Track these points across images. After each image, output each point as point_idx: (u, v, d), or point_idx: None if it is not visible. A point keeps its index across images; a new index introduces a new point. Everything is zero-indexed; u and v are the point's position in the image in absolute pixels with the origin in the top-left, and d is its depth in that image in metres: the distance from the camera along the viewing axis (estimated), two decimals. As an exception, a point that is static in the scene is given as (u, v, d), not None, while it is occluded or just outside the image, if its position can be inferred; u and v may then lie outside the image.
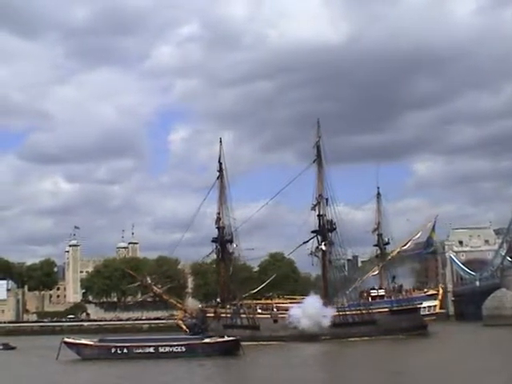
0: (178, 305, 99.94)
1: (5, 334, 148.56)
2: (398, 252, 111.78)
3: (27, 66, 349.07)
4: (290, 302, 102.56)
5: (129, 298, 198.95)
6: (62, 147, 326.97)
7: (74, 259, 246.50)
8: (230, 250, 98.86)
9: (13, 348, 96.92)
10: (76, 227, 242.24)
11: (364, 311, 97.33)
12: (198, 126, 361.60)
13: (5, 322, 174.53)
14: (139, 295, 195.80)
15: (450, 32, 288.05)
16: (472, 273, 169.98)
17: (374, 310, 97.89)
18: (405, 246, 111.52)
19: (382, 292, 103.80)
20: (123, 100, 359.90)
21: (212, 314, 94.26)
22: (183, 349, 69.42)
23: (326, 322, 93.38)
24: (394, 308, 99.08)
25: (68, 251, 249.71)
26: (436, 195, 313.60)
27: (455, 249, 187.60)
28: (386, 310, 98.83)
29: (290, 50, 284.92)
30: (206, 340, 71.78)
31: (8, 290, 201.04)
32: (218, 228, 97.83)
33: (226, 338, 72.82)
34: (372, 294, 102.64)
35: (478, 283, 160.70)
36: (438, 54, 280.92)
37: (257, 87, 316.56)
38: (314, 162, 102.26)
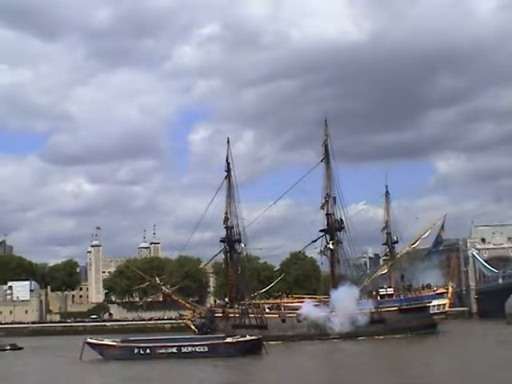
0: (187, 305, 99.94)
1: (28, 335, 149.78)
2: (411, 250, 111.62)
3: (49, 67, 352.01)
4: (299, 302, 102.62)
5: (150, 298, 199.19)
6: (84, 148, 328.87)
7: (96, 259, 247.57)
8: (238, 250, 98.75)
9: (20, 348, 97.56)
10: (98, 228, 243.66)
11: (373, 310, 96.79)
12: (218, 125, 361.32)
13: (28, 323, 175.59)
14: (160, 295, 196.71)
15: (471, 29, 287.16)
16: (495, 270, 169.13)
17: (383, 309, 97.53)
18: (414, 244, 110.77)
19: (390, 291, 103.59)
20: (144, 100, 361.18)
21: (220, 314, 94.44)
22: (206, 348, 69.29)
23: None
24: (403, 307, 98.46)
25: (90, 252, 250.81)
26: (458, 193, 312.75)
27: (478, 246, 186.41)
28: (395, 308, 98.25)
29: (312, 49, 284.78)
30: (229, 340, 71.64)
31: (31, 290, 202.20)
32: (226, 228, 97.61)
33: (249, 338, 72.67)
34: (381, 293, 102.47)
35: (500, 281, 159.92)
36: (460, 52, 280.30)
37: (278, 87, 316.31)
38: (321, 160, 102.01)
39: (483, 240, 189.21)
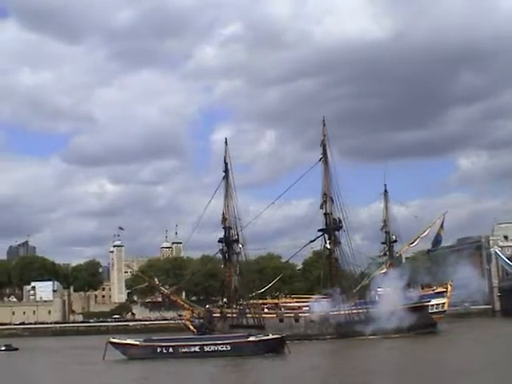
0: (185, 305, 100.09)
1: (51, 335, 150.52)
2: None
3: (71, 69, 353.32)
4: (297, 301, 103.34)
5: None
6: (106, 149, 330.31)
7: (118, 260, 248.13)
8: (237, 251, 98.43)
9: (15, 349, 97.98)
10: (120, 228, 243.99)
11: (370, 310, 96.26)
12: (241, 125, 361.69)
13: (51, 323, 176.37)
14: (183, 295, 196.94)
15: (494, 26, 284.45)
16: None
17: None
18: (412, 243, 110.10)
19: (388, 290, 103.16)
20: (166, 101, 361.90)
21: (218, 314, 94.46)
22: (228, 347, 69.42)
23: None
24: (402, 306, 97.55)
25: (112, 252, 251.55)
26: (480, 190, 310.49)
27: (500, 244, 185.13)
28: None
29: (333, 48, 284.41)
30: (251, 338, 71.69)
31: (54, 291, 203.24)
32: (224, 228, 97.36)
33: (271, 336, 72.67)
34: (379, 293, 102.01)
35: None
36: (482, 49, 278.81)
37: (300, 85, 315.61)
38: (320, 160, 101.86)
39: (506, 237, 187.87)
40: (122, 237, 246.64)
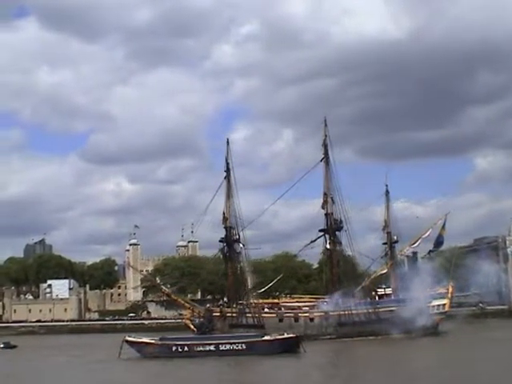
0: (186, 304, 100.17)
1: (67, 332, 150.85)
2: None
3: (89, 68, 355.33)
4: (297, 301, 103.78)
5: (188, 296, 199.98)
6: (124, 148, 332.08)
7: (134, 258, 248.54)
8: (237, 250, 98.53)
9: (14, 347, 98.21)
10: (136, 226, 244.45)
11: (370, 310, 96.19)
12: (258, 124, 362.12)
13: (67, 321, 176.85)
14: (199, 293, 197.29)
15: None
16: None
17: (381, 309, 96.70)
18: (414, 244, 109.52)
19: (389, 291, 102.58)
20: (184, 100, 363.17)
21: (218, 314, 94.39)
22: (243, 346, 69.46)
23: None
24: (402, 307, 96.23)
25: (128, 250, 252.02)
26: (497, 190, 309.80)
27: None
28: (393, 308, 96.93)
29: (352, 47, 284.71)
30: (266, 337, 71.66)
31: (70, 288, 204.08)
32: (225, 228, 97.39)
33: (287, 335, 72.55)
34: (379, 293, 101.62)
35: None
36: (500, 48, 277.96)
37: (317, 85, 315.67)
38: (321, 160, 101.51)
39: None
40: (138, 235, 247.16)
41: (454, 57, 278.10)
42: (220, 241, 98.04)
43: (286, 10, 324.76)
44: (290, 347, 69.52)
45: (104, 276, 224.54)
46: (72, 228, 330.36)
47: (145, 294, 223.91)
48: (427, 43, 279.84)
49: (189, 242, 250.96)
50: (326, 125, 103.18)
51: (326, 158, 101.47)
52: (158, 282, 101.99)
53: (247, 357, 65.70)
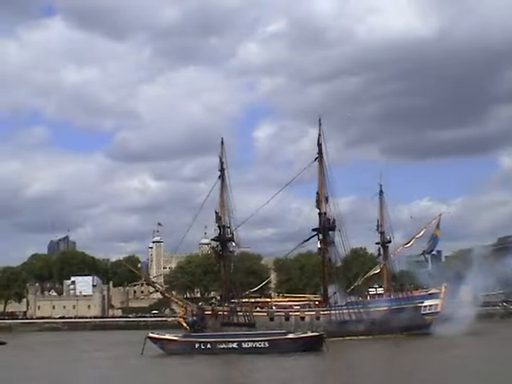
0: (179, 302, 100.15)
1: (90, 329, 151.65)
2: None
3: (116, 66, 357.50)
4: (289, 301, 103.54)
5: (212, 294, 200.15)
6: (149, 145, 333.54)
7: (157, 255, 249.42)
8: (231, 249, 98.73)
9: (3, 343, 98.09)
10: (159, 224, 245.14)
11: (361, 310, 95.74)
12: (283, 122, 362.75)
13: (91, 317, 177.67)
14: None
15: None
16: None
17: (372, 309, 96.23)
18: (407, 244, 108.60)
19: (380, 290, 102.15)
20: (209, 98, 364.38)
21: (210, 312, 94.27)
22: (266, 344, 69.17)
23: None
24: (393, 307, 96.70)
25: (152, 247, 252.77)
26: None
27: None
28: (385, 308, 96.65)
29: (377, 45, 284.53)
30: (290, 335, 71.39)
31: (94, 285, 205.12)
32: (219, 227, 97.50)
33: (310, 334, 72.32)
34: (370, 293, 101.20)
35: None
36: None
37: (342, 83, 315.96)
38: (315, 160, 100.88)
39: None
40: (162, 233, 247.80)
41: (479, 55, 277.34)
42: (213, 239, 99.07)
43: (311, 8, 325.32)
44: (313, 345, 69.14)
45: (127, 273, 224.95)
46: (96, 225, 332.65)
47: (168, 291, 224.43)
48: (453, 41, 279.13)
49: (212, 239, 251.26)
50: (320, 124, 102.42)
51: (319, 157, 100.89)
52: (152, 279, 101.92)
53: (270, 355, 65.27)
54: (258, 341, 69.84)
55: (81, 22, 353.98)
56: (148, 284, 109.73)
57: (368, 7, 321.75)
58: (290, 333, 72.88)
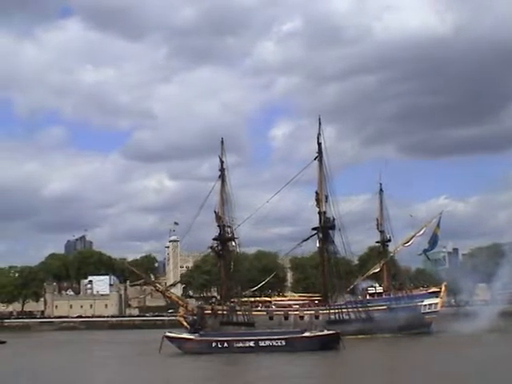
0: (180, 302, 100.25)
1: (108, 328, 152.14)
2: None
3: (132, 66, 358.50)
4: (289, 300, 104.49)
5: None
6: (166, 145, 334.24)
7: (174, 254, 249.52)
8: (231, 248, 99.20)
9: (3, 342, 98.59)
10: (176, 223, 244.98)
11: (360, 309, 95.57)
12: (299, 121, 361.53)
13: (108, 317, 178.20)
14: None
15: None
16: None
17: (371, 308, 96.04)
18: (407, 243, 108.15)
19: (379, 289, 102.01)
20: (225, 97, 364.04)
21: (209, 311, 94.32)
22: (283, 343, 69.30)
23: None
24: (393, 306, 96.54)
25: (168, 247, 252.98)
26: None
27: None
28: (384, 307, 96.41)
29: (393, 43, 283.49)
30: (306, 334, 71.45)
31: (111, 285, 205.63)
32: (219, 226, 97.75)
33: (326, 332, 72.35)
34: (370, 292, 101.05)
35: None
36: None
37: (359, 82, 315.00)
38: (315, 159, 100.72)
39: None
40: (178, 232, 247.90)
41: (497, 53, 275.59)
42: (214, 239, 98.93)
43: (327, 6, 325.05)
44: (329, 344, 69.24)
45: (144, 272, 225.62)
46: (113, 224, 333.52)
47: (185, 290, 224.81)
48: (470, 39, 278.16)
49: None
50: (320, 123, 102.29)
51: (319, 156, 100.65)
52: (153, 279, 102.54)
53: (287, 353, 65.26)
54: (274, 339, 69.96)
55: (97, 22, 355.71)
56: (147, 284, 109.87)
57: (385, 5, 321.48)
58: (307, 331, 72.93)
